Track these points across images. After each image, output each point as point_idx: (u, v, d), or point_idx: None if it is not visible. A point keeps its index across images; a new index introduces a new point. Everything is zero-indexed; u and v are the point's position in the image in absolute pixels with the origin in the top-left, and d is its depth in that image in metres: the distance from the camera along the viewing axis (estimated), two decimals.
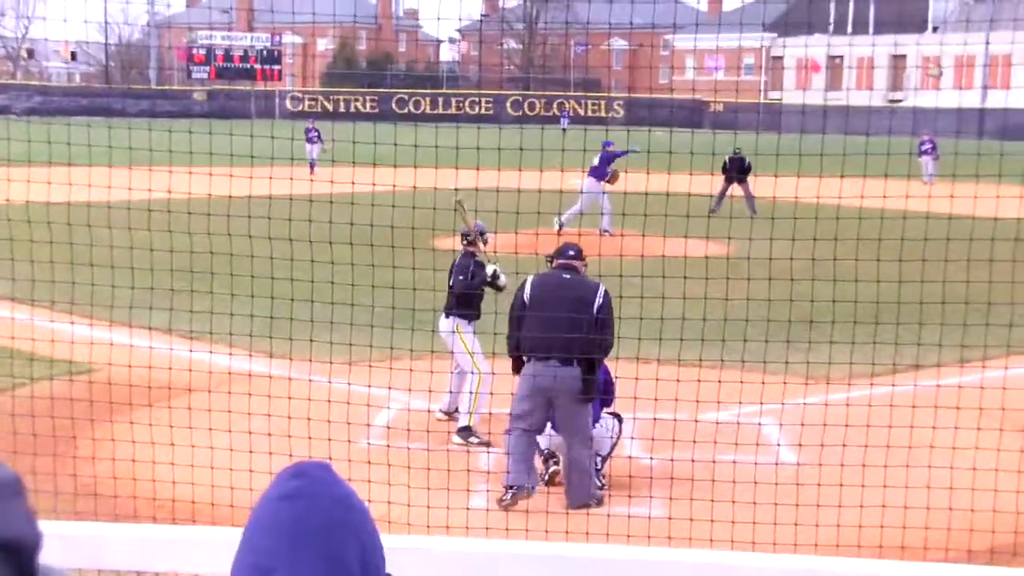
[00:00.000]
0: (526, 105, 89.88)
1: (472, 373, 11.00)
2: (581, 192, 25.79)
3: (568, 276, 9.38)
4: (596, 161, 26.53)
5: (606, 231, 24.78)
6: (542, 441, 9.67)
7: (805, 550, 7.50)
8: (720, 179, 30.62)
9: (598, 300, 9.12)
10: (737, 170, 30.87)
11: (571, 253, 9.50)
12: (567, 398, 9.12)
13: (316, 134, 39.77)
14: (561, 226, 24.39)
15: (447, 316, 11.22)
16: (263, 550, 1.87)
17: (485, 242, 11.33)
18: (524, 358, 9.29)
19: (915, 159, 38.29)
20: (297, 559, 1.85)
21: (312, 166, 37.02)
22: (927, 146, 39.99)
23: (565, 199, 22.23)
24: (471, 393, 10.92)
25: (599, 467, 9.64)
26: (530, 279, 9.50)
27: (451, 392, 11.43)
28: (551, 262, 9.67)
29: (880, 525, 7.85)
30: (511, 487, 9.10)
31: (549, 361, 9.07)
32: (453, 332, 11.07)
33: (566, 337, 8.97)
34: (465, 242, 11.35)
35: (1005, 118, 64.76)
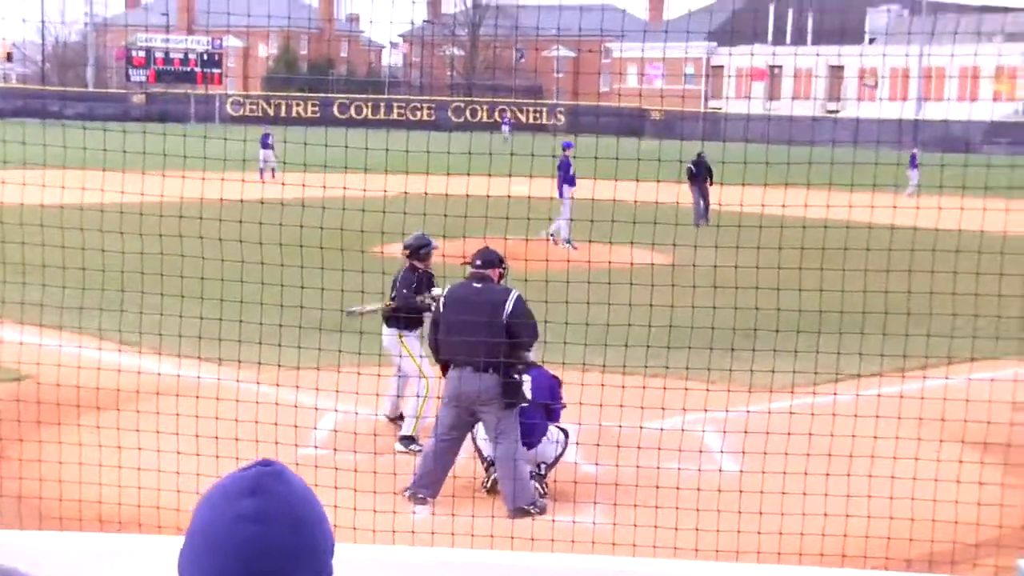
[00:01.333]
0: (468, 111, 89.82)
1: (419, 378, 10.97)
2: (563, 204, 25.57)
3: (478, 285, 9.50)
4: (560, 168, 26.05)
5: (568, 241, 24.57)
6: (484, 449, 9.68)
7: (747, 558, 7.51)
8: (687, 190, 29.52)
9: (508, 306, 9.25)
10: (703, 174, 29.94)
11: (478, 263, 9.58)
12: (485, 405, 9.26)
13: (272, 141, 40.11)
14: (568, 242, 24.25)
15: (388, 325, 11.17)
16: (217, 571, 1.81)
17: (426, 257, 11.18)
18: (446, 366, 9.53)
19: (904, 172, 38.28)
20: None
21: (271, 172, 37.40)
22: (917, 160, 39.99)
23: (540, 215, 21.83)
24: (420, 397, 10.90)
25: (543, 474, 9.65)
26: (446, 292, 9.69)
27: (395, 396, 11.39)
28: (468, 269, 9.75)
29: (821, 534, 7.87)
30: (408, 490, 9.43)
31: (465, 369, 9.26)
32: (396, 340, 11.07)
33: (479, 346, 9.14)
34: (407, 253, 11.23)
35: (940, 130, 65.69)
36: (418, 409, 10.91)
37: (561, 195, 25.78)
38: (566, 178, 26.00)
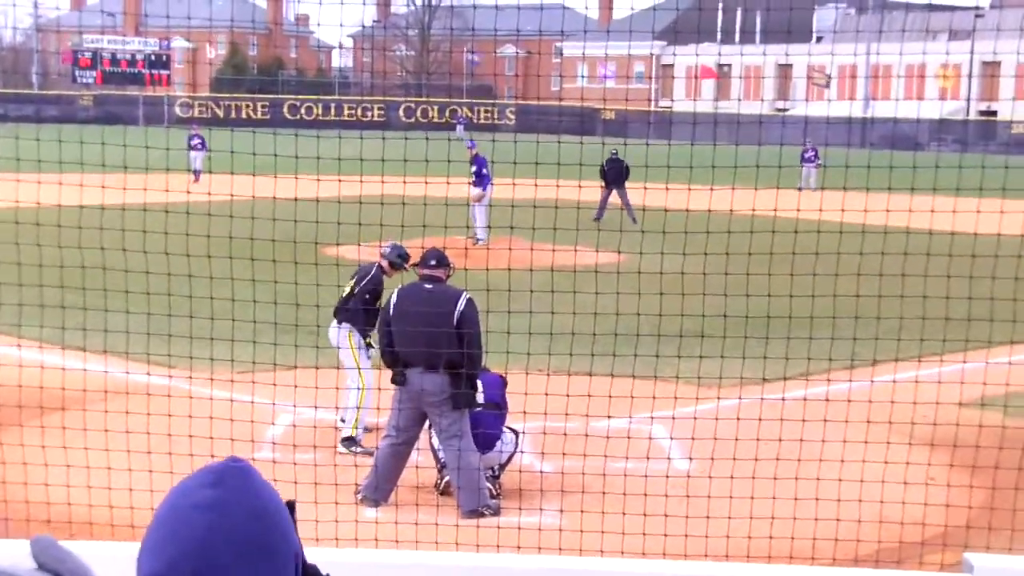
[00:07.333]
0: (419, 112, 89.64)
1: (357, 388, 10.82)
2: (483, 205, 25.56)
3: (430, 287, 9.47)
4: (476, 168, 25.89)
5: (481, 240, 24.59)
6: (439, 451, 9.64)
7: (695, 559, 7.49)
8: (599, 187, 29.52)
9: (459, 309, 9.23)
10: (614, 175, 29.72)
11: (432, 262, 9.54)
12: (436, 405, 9.23)
13: (200, 141, 38.76)
14: (480, 240, 24.19)
15: (339, 324, 10.99)
16: (170, 561, 1.77)
17: (399, 268, 11.05)
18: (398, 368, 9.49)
19: (796, 167, 38.83)
20: (204, 573, 1.77)
21: (197, 174, 36.36)
22: (810, 153, 40.56)
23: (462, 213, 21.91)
24: (355, 408, 10.78)
25: (496, 475, 9.62)
26: (396, 292, 9.61)
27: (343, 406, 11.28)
28: (417, 269, 9.68)
29: (769, 536, 7.87)
30: (360, 493, 9.43)
31: (415, 368, 9.23)
32: (346, 334, 10.90)
33: (430, 346, 9.13)
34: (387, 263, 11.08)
35: (889, 128, 66.27)
36: (359, 400, 10.77)
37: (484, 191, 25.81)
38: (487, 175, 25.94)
